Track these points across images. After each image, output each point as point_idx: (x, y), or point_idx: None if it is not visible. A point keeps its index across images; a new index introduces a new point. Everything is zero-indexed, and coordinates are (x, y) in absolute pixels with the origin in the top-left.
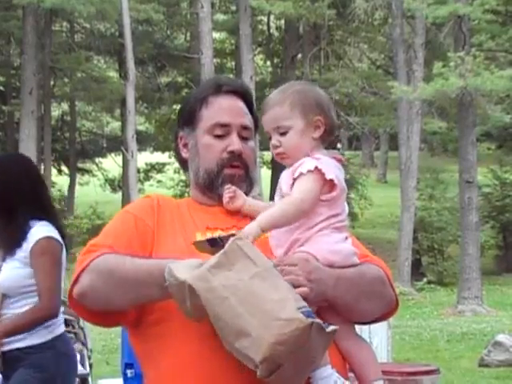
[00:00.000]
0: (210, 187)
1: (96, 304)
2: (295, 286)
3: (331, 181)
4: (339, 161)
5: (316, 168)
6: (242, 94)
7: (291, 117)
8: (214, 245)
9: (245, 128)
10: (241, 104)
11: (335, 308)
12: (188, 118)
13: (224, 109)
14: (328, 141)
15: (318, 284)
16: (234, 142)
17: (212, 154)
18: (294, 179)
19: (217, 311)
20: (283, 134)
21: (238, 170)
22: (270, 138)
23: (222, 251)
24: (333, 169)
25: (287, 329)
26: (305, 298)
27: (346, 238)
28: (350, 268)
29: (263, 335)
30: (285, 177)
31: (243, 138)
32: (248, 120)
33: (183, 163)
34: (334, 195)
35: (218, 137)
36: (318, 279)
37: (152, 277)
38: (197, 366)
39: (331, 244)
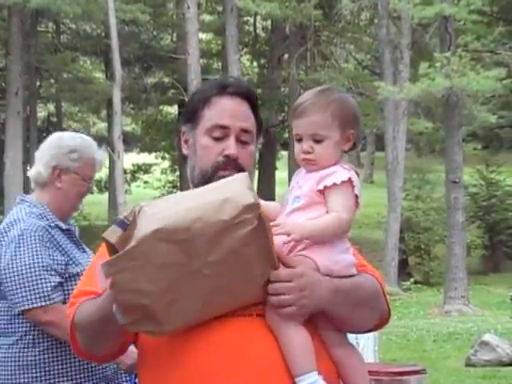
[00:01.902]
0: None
1: (102, 351)
2: (287, 304)
3: (356, 196)
4: (357, 174)
5: (349, 179)
6: (248, 97)
7: (330, 127)
8: (125, 227)
9: (245, 131)
10: (244, 107)
11: (328, 317)
12: (190, 116)
13: (225, 110)
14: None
15: (311, 298)
16: (230, 146)
17: (208, 155)
18: (326, 187)
19: None
20: (318, 141)
21: (233, 173)
22: (299, 140)
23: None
24: (358, 183)
25: None
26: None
27: (348, 248)
28: (348, 279)
29: None
30: (308, 179)
31: (242, 142)
32: (250, 124)
33: (184, 158)
34: (355, 211)
35: (216, 139)
36: (310, 294)
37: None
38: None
39: (334, 253)
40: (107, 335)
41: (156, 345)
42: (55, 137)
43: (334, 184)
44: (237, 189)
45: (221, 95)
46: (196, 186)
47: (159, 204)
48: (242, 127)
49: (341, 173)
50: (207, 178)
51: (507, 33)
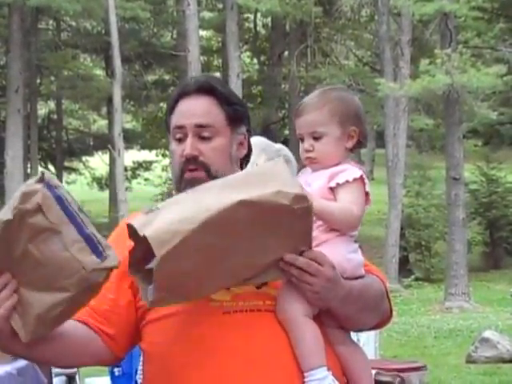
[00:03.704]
0: (179, 193)
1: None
2: (307, 283)
3: (367, 194)
4: (364, 172)
5: (361, 177)
6: (208, 92)
7: (328, 124)
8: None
9: (201, 127)
10: (202, 102)
11: (334, 314)
12: (166, 127)
13: (182, 111)
14: (355, 151)
15: (328, 292)
16: (186, 146)
17: (175, 159)
18: (338, 184)
19: None
20: (317, 139)
21: (197, 173)
22: (302, 140)
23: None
24: (367, 181)
25: None
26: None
27: (357, 248)
28: (358, 280)
29: None
30: (318, 176)
31: (203, 138)
32: (209, 117)
33: None
34: (366, 208)
35: (179, 140)
36: (331, 288)
37: None
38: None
39: (347, 252)
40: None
41: (163, 344)
42: (262, 138)
43: (347, 181)
44: (284, 180)
45: (182, 98)
46: (176, 192)
47: (200, 189)
48: (197, 123)
49: (352, 170)
50: (177, 182)
51: (508, 29)
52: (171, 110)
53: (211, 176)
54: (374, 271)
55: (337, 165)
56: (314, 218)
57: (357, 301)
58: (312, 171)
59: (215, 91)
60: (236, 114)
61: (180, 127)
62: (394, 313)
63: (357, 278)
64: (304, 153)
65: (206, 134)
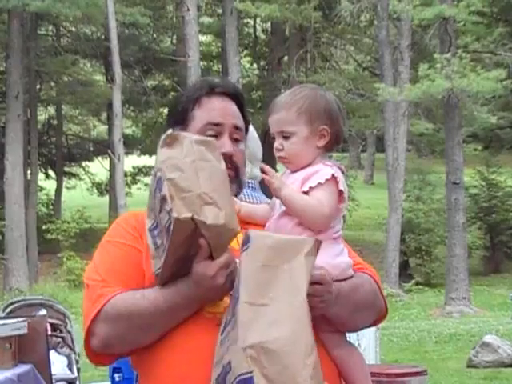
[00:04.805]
0: None
1: (123, 349)
2: (317, 294)
3: (341, 192)
4: (342, 171)
5: (332, 176)
6: (235, 96)
7: (296, 123)
8: None
9: (237, 129)
10: (233, 106)
11: (327, 319)
12: (180, 118)
13: (217, 109)
14: (333, 150)
15: (331, 297)
16: (225, 144)
17: None
18: (311, 187)
19: None
20: (286, 138)
21: (229, 171)
22: (274, 139)
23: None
24: (343, 179)
25: None
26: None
27: (343, 249)
28: (346, 282)
29: None
30: (293, 180)
31: (234, 140)
32: (240, 122)
33: None
34: (341, 207)
35: (210, 137)
36: (332, 291)
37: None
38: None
39: (331, 257)
40: (153, 330)
41: (157, 355)
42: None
43: (319, 183)
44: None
45: (209, 95)
46: None
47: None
48: (235, 124)
49: (324, 171)
50: None
51: (507, 34)
52: (195, 103)
53: (238, 177)
54: (365, 269)
55: (309, 165)
56: (293, 223)
57: (347, 301)
58: (290, 172)
59: (240, 98)
60: (249, 124)
61: (217, 124)
62: (395, 318)
63: (345, 279)
64: (275, 152)
65: (237, 136)
